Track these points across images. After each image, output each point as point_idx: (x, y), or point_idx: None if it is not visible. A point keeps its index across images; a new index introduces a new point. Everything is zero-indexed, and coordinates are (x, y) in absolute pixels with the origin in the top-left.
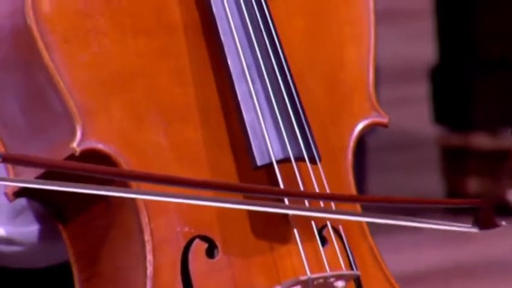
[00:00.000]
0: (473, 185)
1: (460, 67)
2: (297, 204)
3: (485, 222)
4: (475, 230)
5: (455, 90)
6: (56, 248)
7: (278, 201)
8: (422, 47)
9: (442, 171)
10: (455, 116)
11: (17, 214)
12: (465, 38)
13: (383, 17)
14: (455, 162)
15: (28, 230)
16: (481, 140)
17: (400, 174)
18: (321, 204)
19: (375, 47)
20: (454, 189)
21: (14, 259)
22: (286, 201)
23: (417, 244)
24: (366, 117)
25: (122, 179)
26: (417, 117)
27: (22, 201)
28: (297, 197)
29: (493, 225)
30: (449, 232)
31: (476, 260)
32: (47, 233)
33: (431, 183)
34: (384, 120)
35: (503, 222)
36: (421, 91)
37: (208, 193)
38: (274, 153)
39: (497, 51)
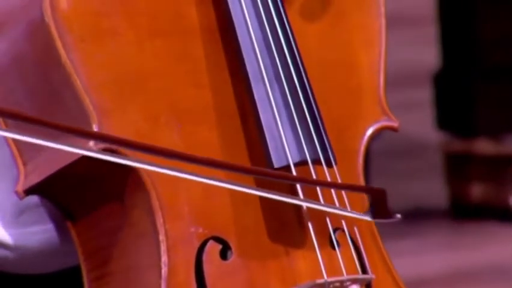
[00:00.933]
0: (476, 190)
1: (463, 73)
2: (311, 199)
3: (378, 212)
4: (367, 217)
5: (458, 95)
6: (62, 250)
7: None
8: (425, 53)
9: (445, 176)
10: (458, 122)
11: (19, 214)
12: (468, 44)
13: (387, 23)
14: (458, 168)
15: (30, 230)
16: (484, 146)
17: (403, 180)
18: (336, 201)
19: (386, 51)
20: (457, 195)
21: (12, 265)
22: (300, 194)
23: (420, 250)
24: (376, 121)
25: (129, 149)
26: (420, 122)
27: (25, 202)
28: (306, 183)
29: (387, 216)
30: (452, 238)
31: (479, 266)
32: (52, 233)
33: (434, 188)
34: (395, 124)
35: (398, 215)
36: (424, 97)
37: (221, 174)
38: (291, 155)
39: (500, 56)
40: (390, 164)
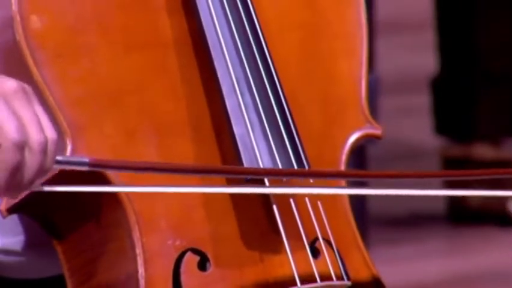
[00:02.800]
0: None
1: (461, 78)
2: (284, 206)
3: None
4: None
5: (456, 101)
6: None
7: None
8: (424, 58)
9: (444, 181)
10: (456, 127)
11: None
12: (467, 49)
13: (385, 28)
14: None
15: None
16: (483, 151)
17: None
18: (311, 214)
19: (367, 60)
20: (456, 200)
21: (13, 269)
22: (275, 209)
23: (418, 255)
24: (359, 129)
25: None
26: (419, 128)
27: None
28: (278, 175)
29: None
30: (451, 243)
31: (477, 271)
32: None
33: None
34: (378, 131)
35: None
36: (423, 102)
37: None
38: (264, 167)
39: (498, 62)
40: (389, 169)
